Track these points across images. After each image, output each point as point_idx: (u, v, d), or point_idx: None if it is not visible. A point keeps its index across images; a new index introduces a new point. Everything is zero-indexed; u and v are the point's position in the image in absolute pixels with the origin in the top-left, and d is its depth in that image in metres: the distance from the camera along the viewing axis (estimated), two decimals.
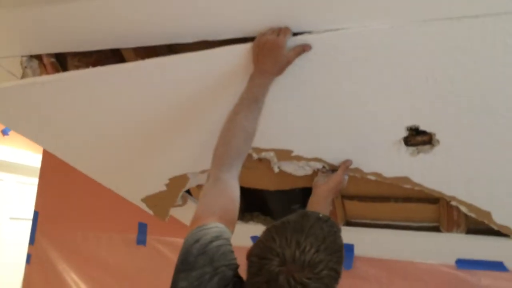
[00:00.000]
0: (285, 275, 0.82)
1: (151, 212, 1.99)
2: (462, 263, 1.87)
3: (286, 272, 0.83)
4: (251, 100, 1.15)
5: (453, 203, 1.49)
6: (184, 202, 1.96)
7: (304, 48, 1.12)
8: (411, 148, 1.33)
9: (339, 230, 0.94)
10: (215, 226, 1.00)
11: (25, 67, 1.48)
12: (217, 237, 0.98)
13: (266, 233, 0.92)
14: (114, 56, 1.43)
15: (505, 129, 1.18)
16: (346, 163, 1.43)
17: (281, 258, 0.84)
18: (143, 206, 1.95)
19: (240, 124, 1.13)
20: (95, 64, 1.39)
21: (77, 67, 1.44)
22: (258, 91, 1.15)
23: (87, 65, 1.42)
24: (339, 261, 0.88)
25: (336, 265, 0.87)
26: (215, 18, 1.16)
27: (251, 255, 0.91)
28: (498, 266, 1.81)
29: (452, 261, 1.89)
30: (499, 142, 1.22)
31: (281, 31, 1.11)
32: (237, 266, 0.98)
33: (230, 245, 1.00)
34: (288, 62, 1.13)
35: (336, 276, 0.87)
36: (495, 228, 1.55)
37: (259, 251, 0.89)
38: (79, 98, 1.41)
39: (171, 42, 1.27)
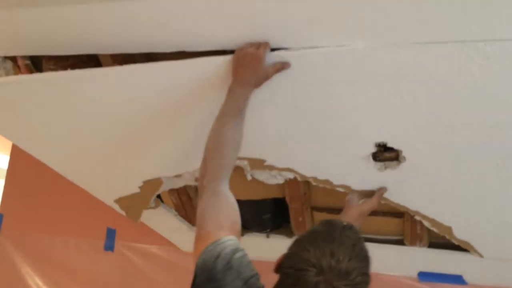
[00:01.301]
0: (324, 285, 0.84)
1: (123, 213, 1.98)
2: (424, 276, 1.94)
3: (325, 281, 0.84)
4: (235, 111, 1.16)
5: (417, 217, 1.54)
6: (157, 205, 1.97)
7: (283, 66, 1.15)
8: (379, 164, 1.38)
9: (362, 236, 0.97)
10: (229, 239, 1.00)
11: None
12: (236, 249, 0.98)
13: (298, 244, 0.93)
14: (91, 61, 1.43)
15: (467, 148, 1.24)
16: (382, 191, 1.46)
17: (318, 268, 0.86)
18: (116, 207, 1.94)
19: (229, 135, 1.14)
20: (71, 68, 1.39)
21: (52, 71, 1.43)
22: (241, 102, 1.17)
23: (62, 69, 1.40)
24: (368, 266, 0.92)
25: (367, 269, 0.91)
26: (195, 30, 1.18)
27: (285, 267, 0.92)
28: (457, 279, 1.88)
29: (414, 274, 1.95)
30: (461, 160, 1.29)
31: (260, 45, 1.14)
32: (259, 276, 0.98)
33: (247, 255, 1.00)
34: (267, 77, 1.16)
35: (367, 280, 0.90)
36: (456, 243, 1.61)
37: (294, 263, 0.90)
38: (56, 99, 1.40)
39: (149, 51, 1.29)
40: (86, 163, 1.70)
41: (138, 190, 1.79)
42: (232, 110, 1.17)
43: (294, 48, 1.15)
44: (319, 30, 1.10)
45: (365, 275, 0.89)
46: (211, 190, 1.10)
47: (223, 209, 1.08)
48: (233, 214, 1.09)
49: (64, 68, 1.40)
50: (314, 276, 0.85)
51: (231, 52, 1.19)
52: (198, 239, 1.03)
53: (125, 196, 1.85)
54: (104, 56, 1.39)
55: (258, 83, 1.18)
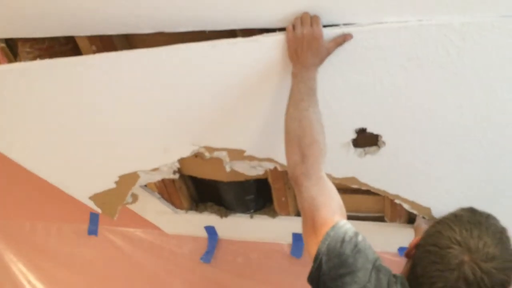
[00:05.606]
0: (470, 264, 0.82)
1: (99, 210, 1.93)
2: (404, 251, 1.99)
3: (471, 260, 0.83)
4: (310, 93, 1.11)
5: (397, 201, 1.56)
6: (134, 200, 1.94)
7: (345, 38, 1.09)
8: (359, 150, 1.39)
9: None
10: (345, 223, 0.99)
11: None
12: (356, 232, 0.98)
13: (440, 224, 0.91)
14: (68, 43, 1.40)
15: (445, 130, 1.26)
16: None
17: (464, 247, 0.83)
18: (91, 204, 1.89)
19: (314, 119, 1.10)
20: (47, 50, 1.36)
21: (28, 54, 1.40)
22: (311, 84, 1.12)
23: (39, 51, 1.38)
24: None
25: None
26: (175, 10, 1.16)
27: (426, 244, 0.90)
28: None
29: (394, 249, 2.00)
30: (440, 142, 1.30)
31: (313, 22, 1.07)
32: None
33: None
34: (329, 53, 1.11)
35: None
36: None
37: (437, 240, 0.88)
38: (24, 90, 1.35)
39: (127, 32, 1.26)
40: (57, 159, 1.62)
41: (114, 186, 1.74)
42: (307, 93, 1.11)
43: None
44: None
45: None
46: (314, 176, 1.07)
47: (331, 194, 1.07)
48: (339, 198, 1.08)
49: (41, 50, 1.37)
50: (460, 254, 0.83)
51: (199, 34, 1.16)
52: (314, 226, 1.02)
53: (101, 192, 1.79)
54: (81, 38, 1.36)
55: (322, 61, 1.13)
